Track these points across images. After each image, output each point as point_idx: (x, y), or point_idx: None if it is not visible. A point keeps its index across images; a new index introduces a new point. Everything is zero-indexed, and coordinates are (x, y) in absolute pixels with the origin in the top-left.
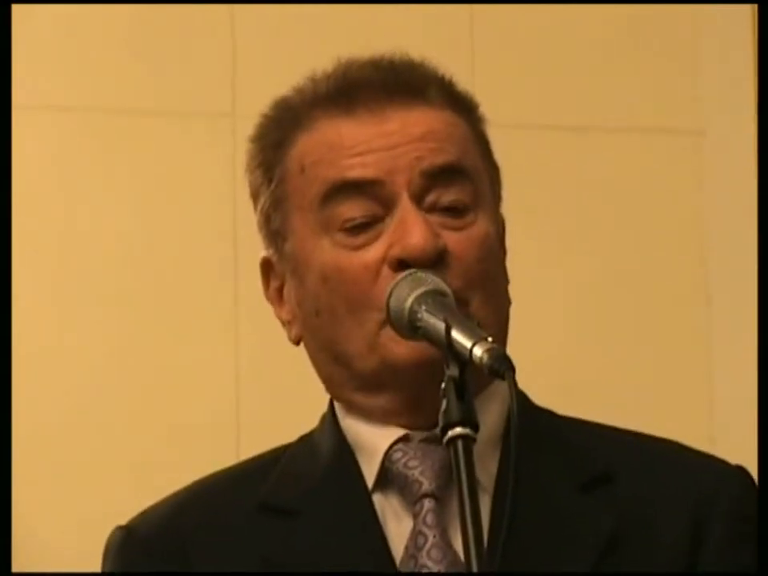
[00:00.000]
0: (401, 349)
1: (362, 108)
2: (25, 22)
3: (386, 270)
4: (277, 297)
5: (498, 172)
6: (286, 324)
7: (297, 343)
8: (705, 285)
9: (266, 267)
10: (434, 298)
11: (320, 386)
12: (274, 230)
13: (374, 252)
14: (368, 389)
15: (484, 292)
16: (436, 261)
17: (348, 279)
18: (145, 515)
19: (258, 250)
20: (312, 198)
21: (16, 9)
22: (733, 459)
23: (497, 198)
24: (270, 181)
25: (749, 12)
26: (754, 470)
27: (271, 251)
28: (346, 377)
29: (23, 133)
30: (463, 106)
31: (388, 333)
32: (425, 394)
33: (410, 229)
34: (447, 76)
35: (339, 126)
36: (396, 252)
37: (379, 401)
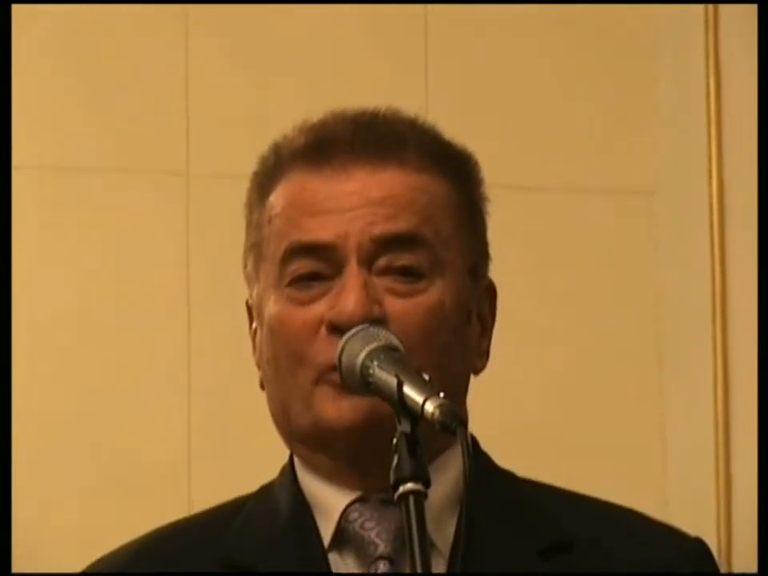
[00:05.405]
0: (332, 411)
1: (329, 165)
2: None
3: (323, 331)
4: (252, 340)
5: (482, 238)
6: (257, 368)
7: (262, 388)
8: (659, 344)
9: (248, 309)
10: (386, 353)
11: (271, 436)
12: (248, 273)
13: (316, 310)
14: (309, 445)
15: (426, 360)
16: None
17: (289, 334)
18: (103, 561)
19: (210, 309)
20: (273, 251)
21: None
22: (686, 520)
23: (471, 266)
24: (249, 223)
25: (703, 71)
26: (708, 537)
27: (250, 294)
28: (290, 429)
29: None
30: (450, 169)
31: (321, 391)
32: (366, 456)
33: (346, 295)
34: (436, 135)
35: (305, 181)
36: (329, 315)
37: (322, 459)
